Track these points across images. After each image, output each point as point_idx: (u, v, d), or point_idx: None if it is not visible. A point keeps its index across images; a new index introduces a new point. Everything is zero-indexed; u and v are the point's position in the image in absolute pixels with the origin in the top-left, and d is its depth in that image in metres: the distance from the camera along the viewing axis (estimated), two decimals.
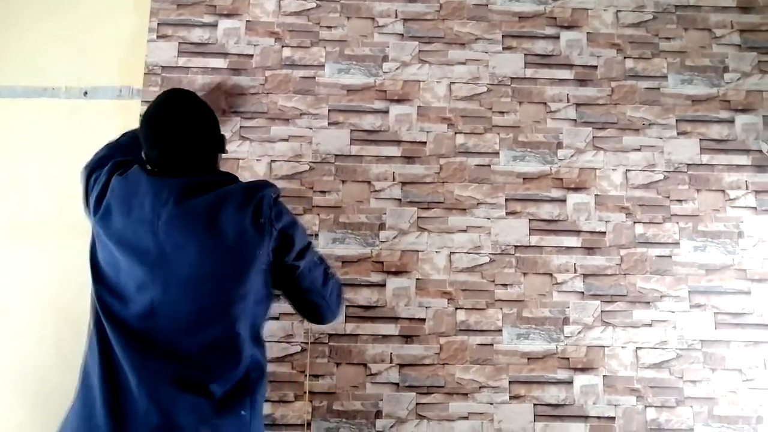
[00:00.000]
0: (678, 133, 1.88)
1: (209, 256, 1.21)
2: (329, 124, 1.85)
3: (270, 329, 1.58)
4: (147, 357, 1.17)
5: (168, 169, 1.26)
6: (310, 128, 1.84)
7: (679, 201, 1.83)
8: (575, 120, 1.88)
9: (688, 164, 1.86)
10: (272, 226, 1.26)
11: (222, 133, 1.36)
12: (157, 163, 1.27)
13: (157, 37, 1.87)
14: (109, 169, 1.31)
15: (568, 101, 1.89)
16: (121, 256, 1.21)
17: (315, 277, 1.36)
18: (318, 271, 1.37)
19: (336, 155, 1.83)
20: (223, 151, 1.37)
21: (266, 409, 1.65)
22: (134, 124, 1.80)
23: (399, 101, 1.87)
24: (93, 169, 1.37)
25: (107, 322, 1.20)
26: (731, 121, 1.88)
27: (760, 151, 1.85)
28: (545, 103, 1.88)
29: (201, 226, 1.21)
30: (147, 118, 1.30)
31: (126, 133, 1.55)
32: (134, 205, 1.22)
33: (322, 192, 1.80)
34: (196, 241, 1.20)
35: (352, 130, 1.84)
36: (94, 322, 1.23)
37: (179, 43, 1.88)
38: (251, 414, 1.23)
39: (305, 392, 1.67)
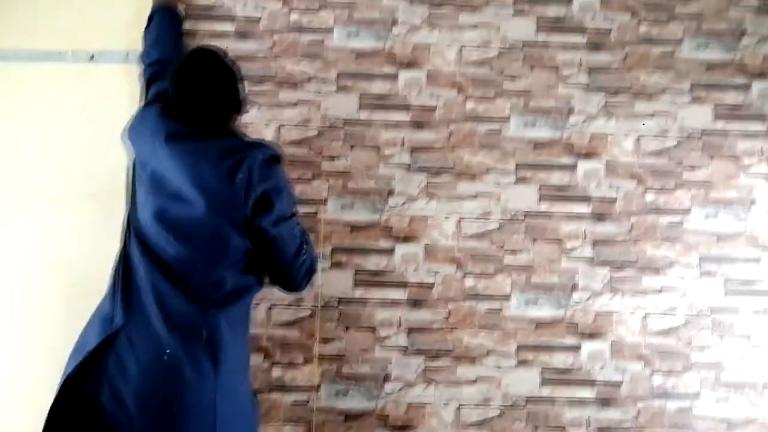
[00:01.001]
0: (692, 99, 1.84)
1: (184, 195, 1.32)
2: (338, 89, 1.83)
3: (280, 294, 1.58)
4: (149, 257, 1.32)
5: (181, 117, 1.38)
6: (319, 93, 1.82)
7: (692, 168, 1.81)
8: (587, 85, 1.85)
9: (702, 131, 1.83)
10: (250, 186, 1.32)
11: (242, 96, 1.47)
12: (174, 110, 1.39)
13: None
14: (149, 99, 1.55)
15: (580, 66, 1.86)
16: (140, 171, 1.39)
17: (288, 247, 1.41)
18: (293, 244, 1.41)
19: (345, 120, 1.81)
20: (239, 112, 1.48)
21: (276, 372, 1.68)
22: (140, 88, 1.80)
23: (408, 66, 1.84)
24: (149, 81, 1.61)
25: (132, 230, 1.37)
26: (747, 87, 1.85)
27: None
28: (557, 69, 1.85)
29: (181, 167, 1.32)
30: (173, 73, 1.42)
31: (150, 26, 1.71)
32: (142, 133, 1.42)
33: (331, 157, 1.79)
34: (176, 178, 1.32)
35: (360, 95, 1.82)
36: (125, 229, 1.42)
37: (186, 6, 1.84)
38: (219, 321, 1.31)
39: (315, 356, 1.69)
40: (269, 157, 1.38)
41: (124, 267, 1.36)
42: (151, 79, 1.60)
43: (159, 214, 1.33)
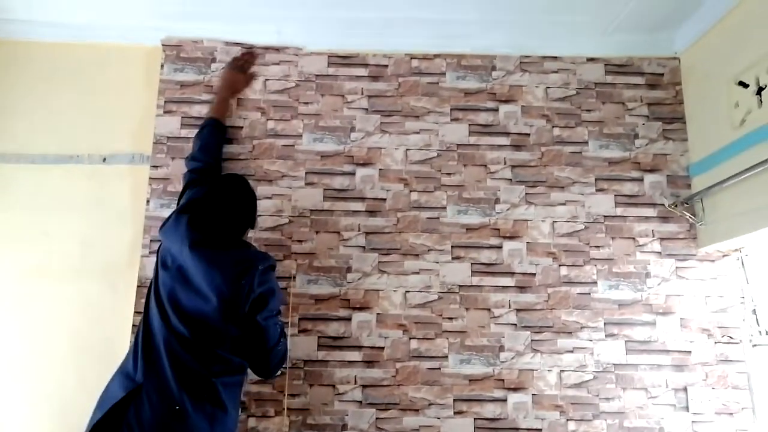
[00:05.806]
0: (596, 190, 2.24)
1: (201, 291, 1.67)
2: (306, 184, 2.21)
3: None
4: (166, 327, 1.65)
5: (206, 228, 1.75)
6: (290, 188, 2.20)
7: (597, 247, 2.19)
8: (511, 179, 2.24)
9: (605, 216, 2.22)
10: (252, 289, 1.69)
11: (257, 214, 1.91)
12: (201, 220, 1.77)
13: (164, 112, 2.26)
14: (179, 208, 1.88)
15: (505, 164, 2.26)
16: (169, 261, 1.74)
17: (270, 338, 1.74)
18: (274, 335, 1.75)
19: (311, 210, 2.19)
20: (253, 227, 1.91)
21: (251, 422, 2.00)
22: (144, 185, 2.18)
23: (364, 165, 2.24)
24: (187, 185, 1.96)
25: (154, 303, 1.69)
26: (641, 180, 2.25)
27: (663, 205, 2.22)
28: (485, 166, 2.25)
29: (201, 270, 1.69)
30: (210, 194, 1.82)
31: (203, 133, 2.08)
32: (173, 236, 1.77)
33: (299, 241, 2.16)
34: (196, 277, 1.68)
35: (324, 189, 2.21)
36: (146, 299, 1.76)
37: (182, 117, 2.25)
38: (217, 386, 1.63)
39: (284, 408, 2.01)
40: (267, 266, 1.75)
41: (144, 331, 1.68)
42: (189, 184, 1.96)
43: (173, 300, 1.67)
